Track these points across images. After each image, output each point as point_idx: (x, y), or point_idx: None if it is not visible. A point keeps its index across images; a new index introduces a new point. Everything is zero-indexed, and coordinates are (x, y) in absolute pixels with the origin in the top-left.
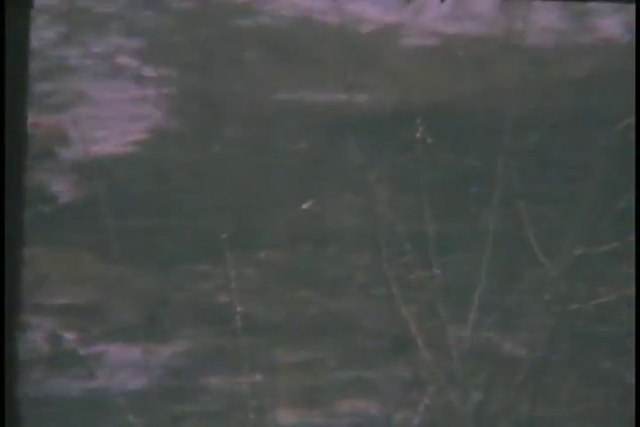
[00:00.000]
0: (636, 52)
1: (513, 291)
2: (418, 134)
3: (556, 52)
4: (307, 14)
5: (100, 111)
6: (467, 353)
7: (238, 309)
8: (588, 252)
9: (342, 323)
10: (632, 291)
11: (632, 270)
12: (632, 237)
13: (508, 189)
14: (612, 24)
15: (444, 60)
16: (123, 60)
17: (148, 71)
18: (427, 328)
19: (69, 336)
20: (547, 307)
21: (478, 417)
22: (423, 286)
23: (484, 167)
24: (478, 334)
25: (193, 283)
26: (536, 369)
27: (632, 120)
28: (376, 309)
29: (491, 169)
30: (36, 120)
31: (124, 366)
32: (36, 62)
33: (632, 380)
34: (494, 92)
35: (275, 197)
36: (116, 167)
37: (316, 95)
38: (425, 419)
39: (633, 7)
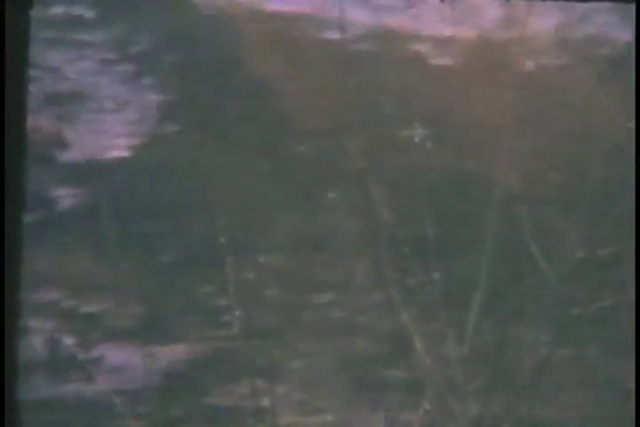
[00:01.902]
0: (636, 51)
1: (512, 295)
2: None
3: None
4: None
5: (99, 115)
6: (466, 357)
7: (237, 312)
8: (589, 255)
9: (341, 327)
10: (632, 295)
11: (632, 274)
12: (632, 241)
13: (508, 193)
14: None
15: None
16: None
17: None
18: (426, 332)
19: (69, 340)
20: (547, 311)
21: (477, 421)
22: (422, 290)
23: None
24: (478, 338)
25: (192, 287)
26: (536, 373)
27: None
28: (375, 312)
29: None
30: (36, 124)
31: (124, 369)
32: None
33: (632, 383)
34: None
35: (274, 201)
36: (115, 171)
37: None
38: (424, 423)
39: (633, 7)
